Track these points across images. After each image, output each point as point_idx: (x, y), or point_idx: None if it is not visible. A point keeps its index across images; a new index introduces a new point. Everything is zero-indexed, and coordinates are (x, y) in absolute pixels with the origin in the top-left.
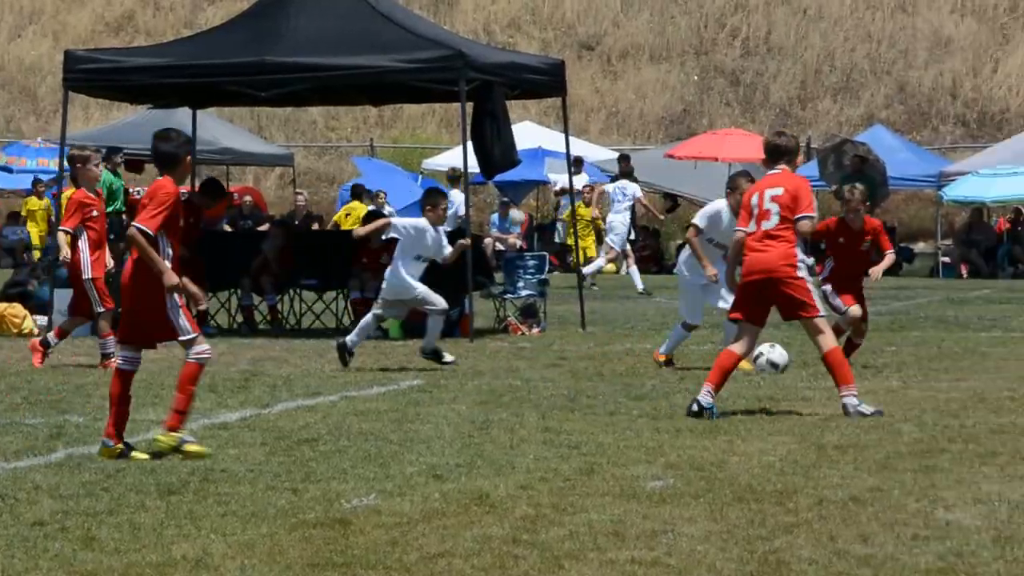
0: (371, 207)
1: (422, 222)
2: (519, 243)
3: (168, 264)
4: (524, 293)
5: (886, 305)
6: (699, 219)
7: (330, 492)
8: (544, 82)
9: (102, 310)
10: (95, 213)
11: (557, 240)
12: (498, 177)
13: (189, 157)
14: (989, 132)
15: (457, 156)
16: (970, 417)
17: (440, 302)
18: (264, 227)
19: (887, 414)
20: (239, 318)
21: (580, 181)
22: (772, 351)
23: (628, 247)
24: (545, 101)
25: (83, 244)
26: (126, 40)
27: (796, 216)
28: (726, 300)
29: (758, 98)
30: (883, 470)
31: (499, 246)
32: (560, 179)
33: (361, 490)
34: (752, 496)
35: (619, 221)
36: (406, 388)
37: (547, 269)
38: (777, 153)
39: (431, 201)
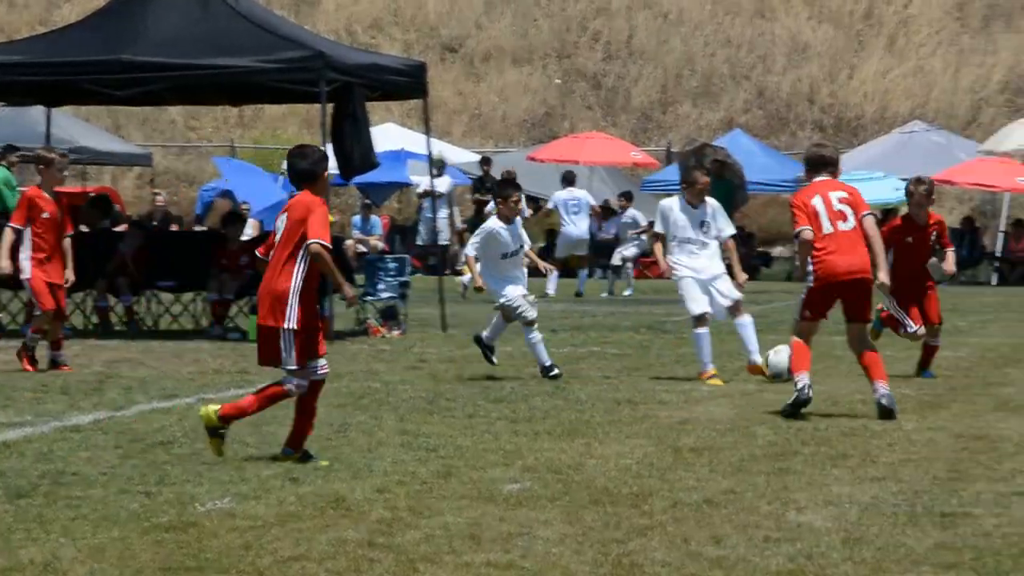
0: (230, 209)
1: (488, 226)
2: (381, 245)
3: None
4: (384, 295)
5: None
6: (658, 226)
7: (184, 495)
8: (406, 84)
9: (39, 313)
10: (45, 215)
11: (419, 242)
12: (359, 179)
13: (326, 173)
14: (845, 138)
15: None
16: (823, 420)
17: (527, 311)
18: (121, 227)
19: (742, 417)
20: (94, 319)
21: (443, 184)
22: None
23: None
24: (408, 103)
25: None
26: None
27: (862, 213)
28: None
29: (619, 102)
30: (737, 472)
31: (360, 248)
32: (423, 181)
33: (216, 493)
34: (608, 499)
35: (584, 229)
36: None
37: (408, 271)
38: (823, 163)
39: (502, 194)
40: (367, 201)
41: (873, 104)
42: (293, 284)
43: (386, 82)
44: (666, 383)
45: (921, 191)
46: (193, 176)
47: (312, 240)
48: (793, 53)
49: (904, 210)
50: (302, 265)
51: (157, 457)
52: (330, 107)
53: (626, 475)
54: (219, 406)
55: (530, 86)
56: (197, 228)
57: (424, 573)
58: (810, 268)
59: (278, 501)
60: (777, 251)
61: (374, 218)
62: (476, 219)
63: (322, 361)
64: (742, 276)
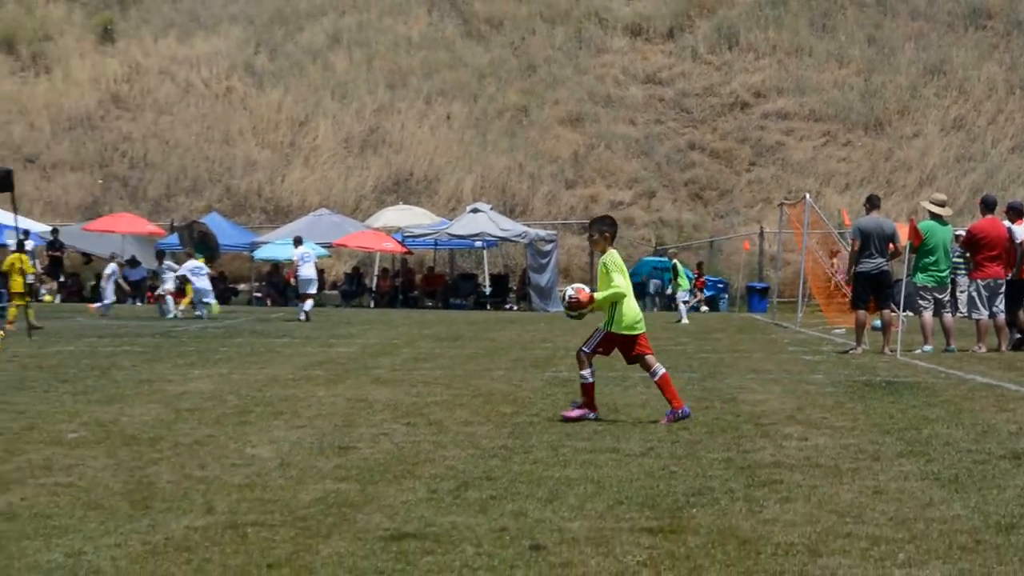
0: None
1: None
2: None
3: None
4: None
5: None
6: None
7: None
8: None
9: None
10: None
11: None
12: None
13: None
14: (281, 218)
15: None
16: (268, 390)
17: None
18: None
19: (218, 388)
20: None
21: (29, 244)
22: None
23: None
24: (2, 194)
25: None
26: None
27: None
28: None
29: (140, 194)
30: (216, 424)
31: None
32: (12, 242)
33: None
34: (134, 442)
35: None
36: None
37: (5, 300)
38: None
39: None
40: None
41: (296, 197)
42: None
43: None
44: (179, 370)
45: None
46: None
47: None
48: (247, 165)
49: None
50: None
51: None
52: None
53: (145, 426)
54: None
55: (82, 183)
56: None
57: (14, 490)
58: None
59: None
60: (241, 287)
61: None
62: (52, 267)
63: None
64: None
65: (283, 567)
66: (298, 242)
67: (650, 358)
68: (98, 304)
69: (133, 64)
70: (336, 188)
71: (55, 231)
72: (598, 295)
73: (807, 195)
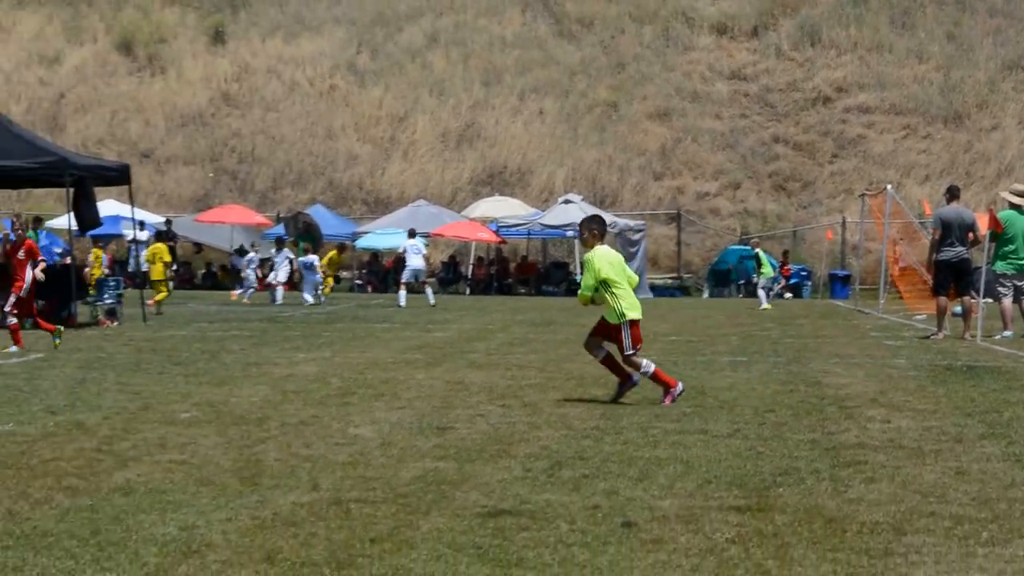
0: None
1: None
2: (106, 271)
3: None
4: (109, 301)
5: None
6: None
7: None
8: (117, 176)
9: None
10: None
11: (130, 269)
12: (91, 232)
13: None
14: (381, 209)
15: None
16: (369, 372)
17: None
18: None
19: (322, 371)
20: None
21: (143, 234)
22: None
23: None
24: (120, 187)
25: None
26: None
27: None
28: None
29: (248, 186)
30: (320, 405)
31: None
32: (129, 233)
33: (2, 421)
34: (243, 421)
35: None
36: (33, 359)
37: (122, 287)
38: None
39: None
40: (99, 244)
41: (396, 189)
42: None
43: (105, 175)
44: (285, 354)
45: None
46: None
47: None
48: (349, 159)
49: None
50: None
51: None
52: (72, 190)
53: (253, 407)
54: None
55: (194, 177)
56: None
57: (131, 467)
58: None
59: (42, 425)
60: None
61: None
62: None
63: None
64: None
65: (385, 541)
66: (411, 234)
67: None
68: (239, 290)
69: (242, 64)
70: (433, 180)
71: (168, 222)
72: (579, 295)
73: (888, 186)
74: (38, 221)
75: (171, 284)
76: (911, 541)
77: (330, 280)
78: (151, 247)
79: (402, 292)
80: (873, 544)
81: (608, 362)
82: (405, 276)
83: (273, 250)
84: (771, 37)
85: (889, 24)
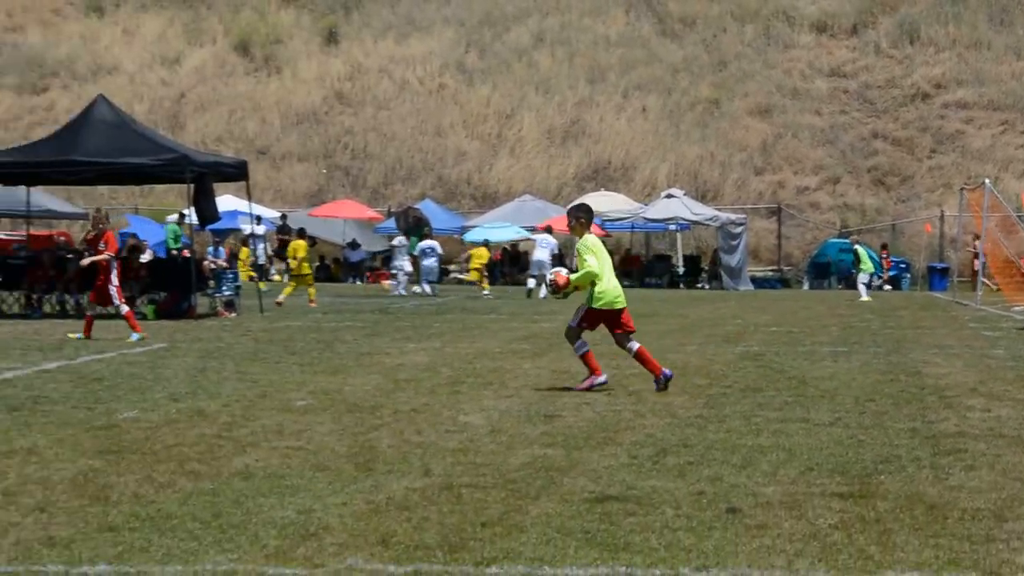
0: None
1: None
2: (224, 264)
3: None
4: (227, 293)
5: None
6: None
7: (110, 409)
8: (235, 172)
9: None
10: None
11: (260, 261)
12: (211, 226)
13: None
14: (488, 203)
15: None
16: (478, 362)
17: None
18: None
19: (432, 361)
20: (57, 307)
21: (260, 229)
22: None
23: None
24: (238, 183)
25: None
26: None
27: None
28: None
29: (360, 182)
30: (430, 393)
31: (212, 266)
32: (247, 227)
33: (128, 408)
34: (356, 409)
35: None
36: (156, 349)
37: (239, 279)
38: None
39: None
40: (216, 239)
41: (503, 185)
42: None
43: (224, 171)
44: (396, 344)
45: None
46: (114, 225)
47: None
48: (458, 155)
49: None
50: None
51: (94, 387)
52: (192, 186)
53: (366, 395)
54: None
55: (308, 173)
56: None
57: (250, 452)
58: None
59: (165, 412)
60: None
61: (220, 248)
62: (280, 249)
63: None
64: None
65: (495, 525)
66: (547, 230)
67: (621, 336)
68: (392, 281)
69: (355, 64)
70: (539, 176)
71: (284, 216)
72: (573, 276)
73: (987, 180)
74: (181, 217)
75: (296, 281)
76: (1012, 528)
77: (484, 281)
78: (292, 243)
79: (531, 283)
80: (975, 530)
81: (640, 357)
82: (533, 269)
83: (397, 240)
84: (870, 35)
85: (987, 21)
